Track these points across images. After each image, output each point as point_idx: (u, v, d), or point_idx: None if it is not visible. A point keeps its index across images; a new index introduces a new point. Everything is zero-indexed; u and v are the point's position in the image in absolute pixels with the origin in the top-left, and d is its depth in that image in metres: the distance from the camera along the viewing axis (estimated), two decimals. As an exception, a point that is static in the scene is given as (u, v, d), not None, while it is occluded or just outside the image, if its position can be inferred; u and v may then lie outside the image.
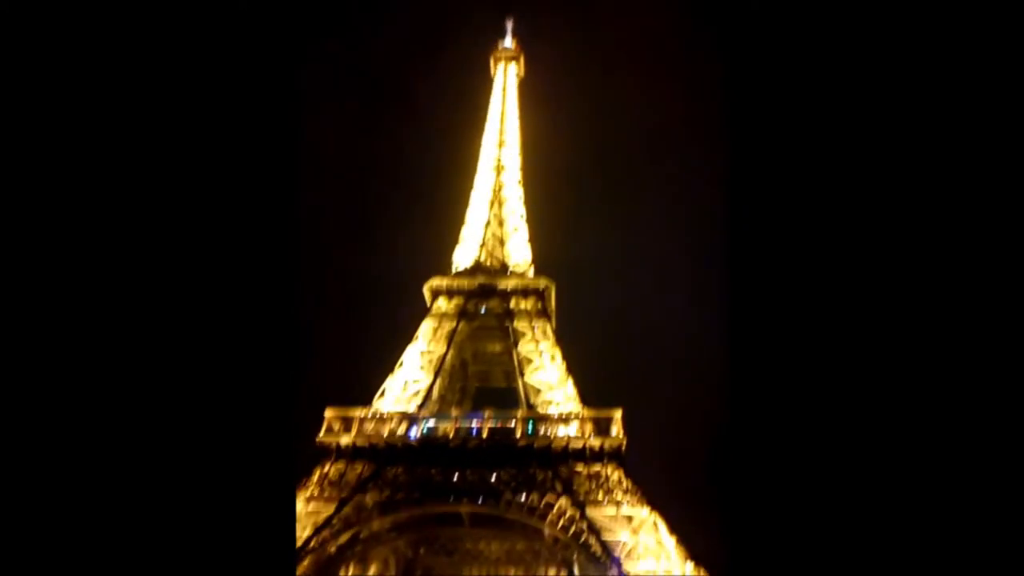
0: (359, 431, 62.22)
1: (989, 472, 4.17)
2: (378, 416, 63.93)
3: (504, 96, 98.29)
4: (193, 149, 4.83)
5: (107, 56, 4.75)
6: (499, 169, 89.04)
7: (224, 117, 4.91)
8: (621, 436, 60.83)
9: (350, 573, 67.68)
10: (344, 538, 57.53)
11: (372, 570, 68.96)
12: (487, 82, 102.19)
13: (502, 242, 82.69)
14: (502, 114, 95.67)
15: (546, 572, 71.71)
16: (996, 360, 4.23)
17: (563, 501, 57.09)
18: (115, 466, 4.43)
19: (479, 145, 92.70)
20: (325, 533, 55.88)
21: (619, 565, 52.55)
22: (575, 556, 58.88)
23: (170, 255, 4.71)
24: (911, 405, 4.29)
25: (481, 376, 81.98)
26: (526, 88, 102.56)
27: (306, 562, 53.61)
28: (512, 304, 75.47)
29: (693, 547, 52.79)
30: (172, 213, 4.75)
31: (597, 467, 59.61)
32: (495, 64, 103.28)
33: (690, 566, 51.75)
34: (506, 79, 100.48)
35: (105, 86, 4.76)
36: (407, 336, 71.94)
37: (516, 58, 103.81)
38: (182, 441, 4.55)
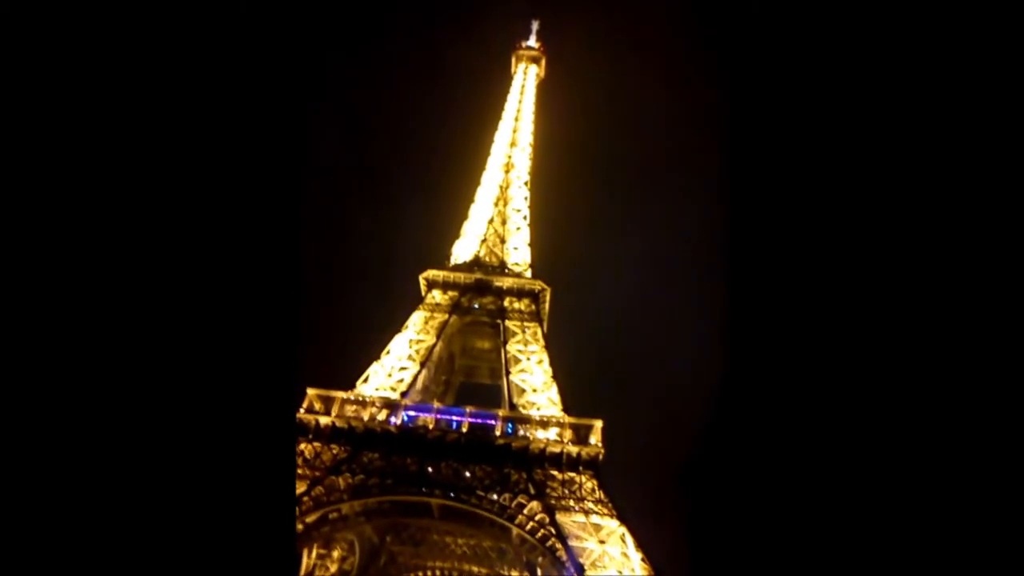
0: (339, 412, 62.17)
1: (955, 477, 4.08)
2: (360, 400, 63.88)
3: (522, 96, 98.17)
4: (198, 120, 4.85)
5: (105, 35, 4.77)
6: (508, 167, 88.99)
7: (228, 98, 4.94)
8: (599, 446, 60.81)
9: (313, 553, 67.68)
10: (312, 518, 57.48)
11: (336, 552, 68.97)
12: (505, 77, 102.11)
13: (503, 240, 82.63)
14: (518, 113, 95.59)
15: (509, 572, 71.83)
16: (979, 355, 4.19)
17: (534, 504, 57.10)
18: (125, 413, 4.41)
19: (489, 140, 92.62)
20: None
21: (581, 572, 52.63)
22: (539, 559, 58.95)
23: (178, 211, 4.72)
24: (888, 447, 4.26)
25: (467, 371, 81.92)
26: (543, 89, 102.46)
27: (272, 537, 53.49)
28: (506, 303, 75.42)
29: (656, 562, 52.92)
30: (181, 169, 4.75)
31: (572, 474, 59.60)
32: (516, 62, 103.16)
33: (652, 582, 51.92)
34: (526, 79, 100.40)
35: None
36: (395, 324, 71.88)
37: (538, 59, 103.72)
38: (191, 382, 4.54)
